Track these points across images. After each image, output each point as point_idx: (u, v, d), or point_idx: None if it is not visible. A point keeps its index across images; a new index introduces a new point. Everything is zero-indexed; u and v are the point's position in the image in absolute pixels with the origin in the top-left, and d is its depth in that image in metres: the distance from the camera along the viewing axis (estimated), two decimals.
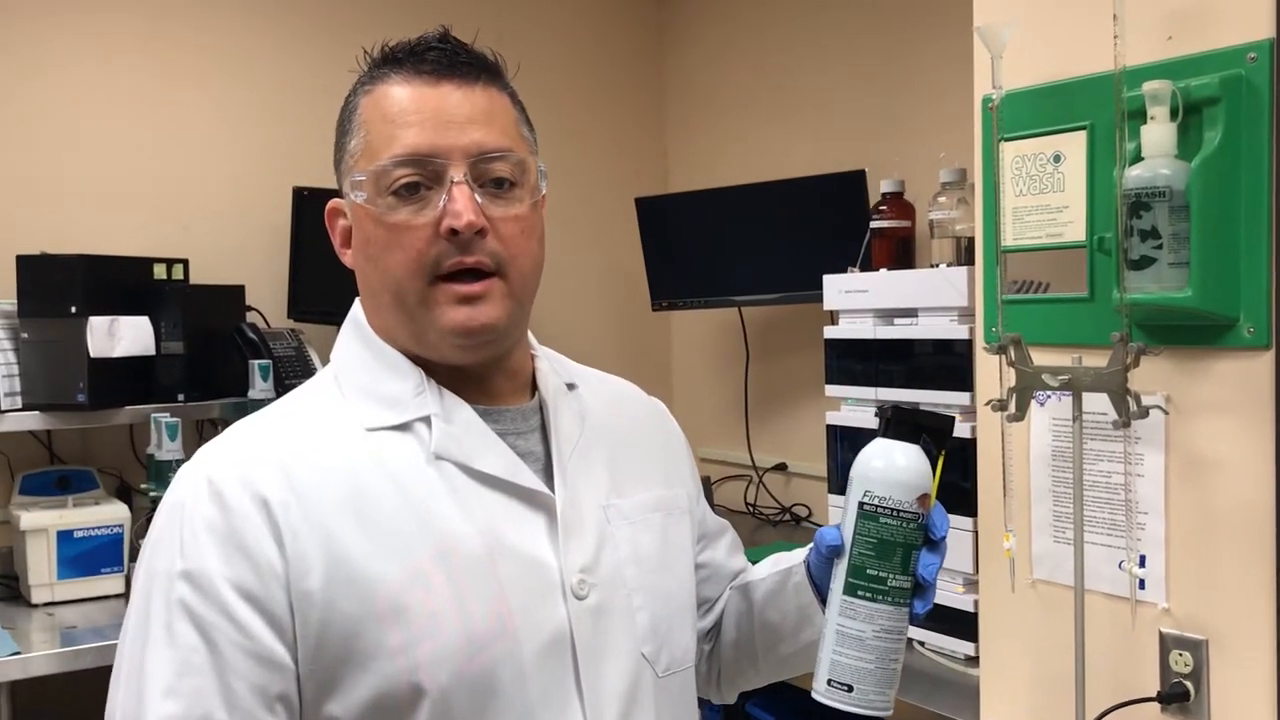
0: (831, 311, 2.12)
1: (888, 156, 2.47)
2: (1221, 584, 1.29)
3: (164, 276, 2.52)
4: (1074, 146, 1.40)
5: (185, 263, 2.57)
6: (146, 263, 2.51)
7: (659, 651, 0.95)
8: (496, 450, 0.91)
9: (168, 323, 2.45)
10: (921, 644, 1.93)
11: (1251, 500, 1.26)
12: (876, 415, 0.99)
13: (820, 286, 2.08)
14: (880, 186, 2.23)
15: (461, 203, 0.87)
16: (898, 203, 2.17)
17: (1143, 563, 1.34)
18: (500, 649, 0.84)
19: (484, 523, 0.88)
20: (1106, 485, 1.40)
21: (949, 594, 1.86)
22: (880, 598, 0.92)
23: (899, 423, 0.95)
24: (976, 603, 1.80)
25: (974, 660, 1.83)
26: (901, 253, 2.15)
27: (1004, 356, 1.37)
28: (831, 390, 2.11)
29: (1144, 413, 1.25)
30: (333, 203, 0.95)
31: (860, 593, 0.92)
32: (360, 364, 0.94)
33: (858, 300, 2.04)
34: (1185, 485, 1.33)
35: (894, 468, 0.93)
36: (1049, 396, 1.47)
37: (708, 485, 2.99)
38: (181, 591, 0.82)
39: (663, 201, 2.92)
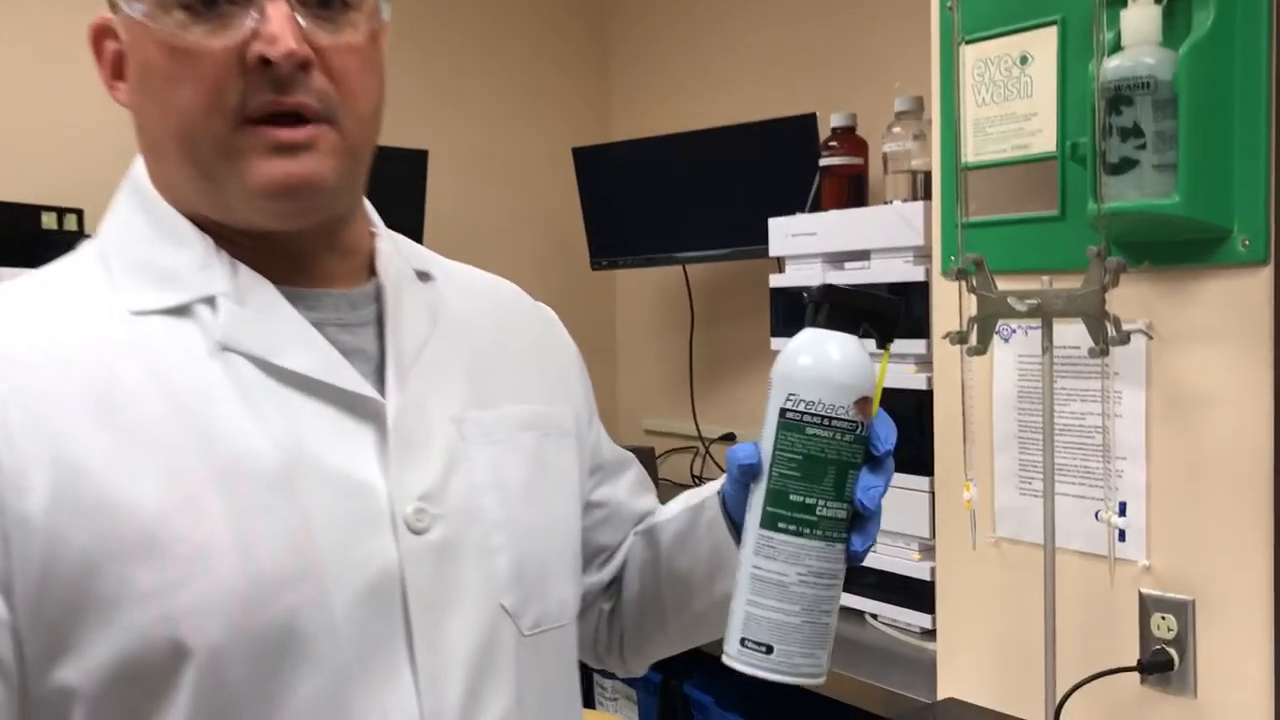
0: (779, 259, 1.96)
1: (841, 94, 2.31)
2: (1210, 537, 1.13)
3: (55, 226, 2.30)
4: (1043, 45, 1.23)
5: (79, 212, 2.35)
6: (35, 211, 2.29)
7: (524, 603, 0.75)
8: (307, 341, 0.71)
9: None
10: (874, 616, 1.77)
11: (1245, 440, 1.10)
12: (804, 298, 0.79)
13: (768, 239, 1.92)
14: (830, 121, 2.06)
15: (278, 23, 0.66)
16: (849, 139, 2.00)
17: (1123, 511, 1.18)
18: (298, 596, 0.65)
19: (284, 434, 0.68)
20: (1079, 429, 1.24)
21: (903, 561, 1.70)
22: (807, 531, 0.72)
23: (832, 307, 0.75)
24: (933, 570, 1.64)
25: (930, 634, 1.66)
26: (854, 193, 1.98)
27: (963, 283, 1.21)
28: (777, 344, 1.94)
29: (1124, 338, 1.09)
30: (99, 19, 0.74)
31: (781, 525, 0.72)
32: (134, 233, 0.73)
33: (806, 244, 1.87)
34: (1169, 425, 1.17)
35: (826, 364, 0.73)
36: (1014, 331, 1.31)
37: (652, 458, 2.82)
38: None
39: (603, 151, 2.74)
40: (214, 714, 0.64)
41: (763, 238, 1.98)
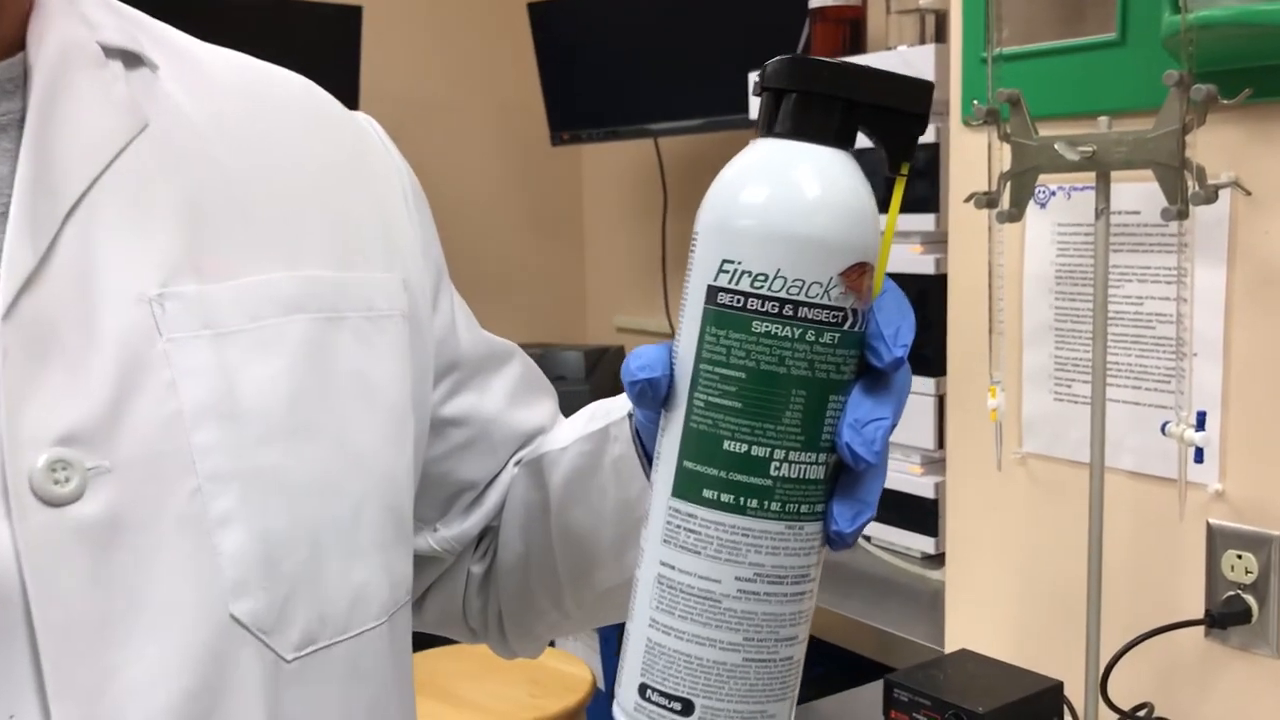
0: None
1: None
2: None
3: None
4: None
5: None
6: None
7: (282, 609, 0.46)
8: None
9: None
10: (867, 539, 1.53)
11: None
12: (760, 83, 0.43)
13: (749, 105, 1.65)
14: None
15: None
16: None
17: (1201, 424, 0.92)
18: None
19: None
20: (1136, 316, 0.97)
21: (902, 476, 1.45)
22: (754, 503, 0.41)
23: (808, 100, 0.41)
24: (938, 487, 1.40)
25: (933, 560, 1.42)
26: (851, 39, 1.70)
27: (994, 130, 0.93)
28: None
29: (1211, 195, 0.82)
30: None
31: (709, 493, 0.42)
32: None
33: None
34: (1256, 313, 0.91)
35: (793, 206, 0.41)
36: (1052, 194, 1.03)
37: (620, 359, 2.56)
38: None
39: (563, 6, 2.43)
40: None
41: (744, 105, 1.70)
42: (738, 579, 0.42)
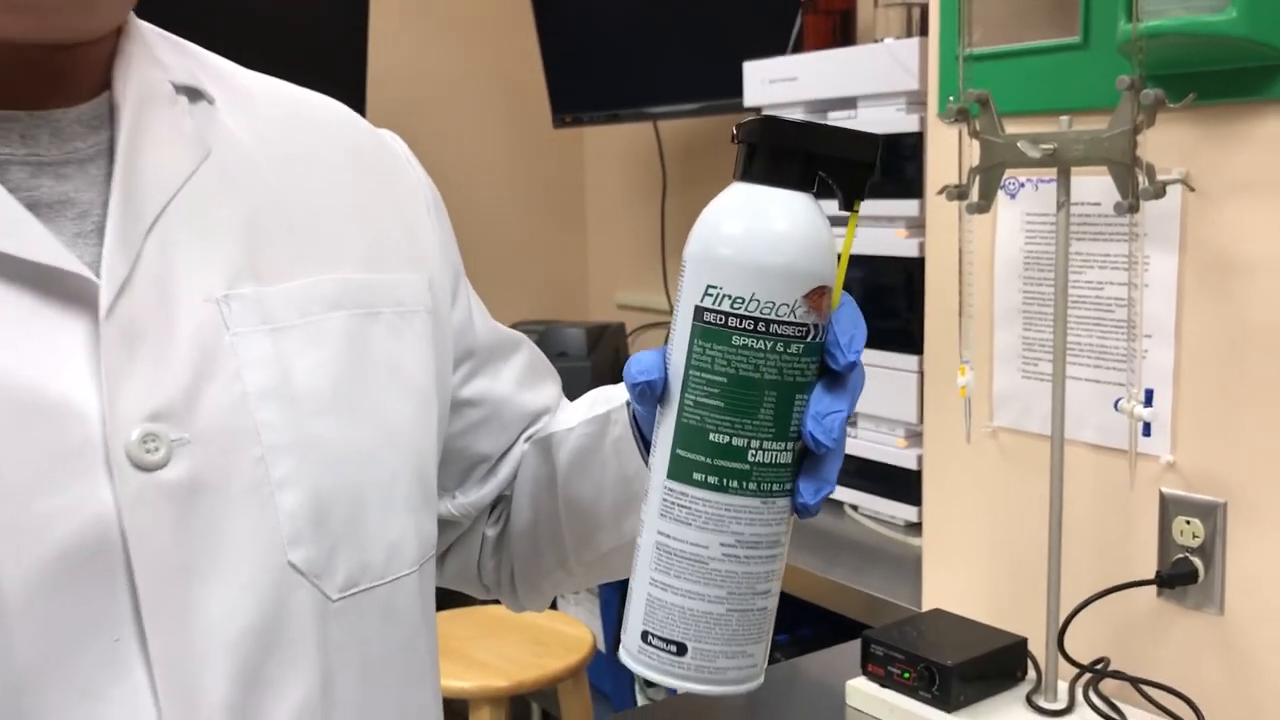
0: (755, 109, 1.74)
1: None
2: (1247, 430, 0.96)
3: None
4: None
5: None
6: None
7: (329, 557, 0.55)
8: None
9: None
10: (854, 508, 1.61)
11: None
12: (736, 137, 0.52)
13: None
14: None
15: None
16: None
17: (1149, 400, 1.00)
18: None
19: None
20: (1097, 300, 1.05)
21: (887, 449, 1.53)
22: (735, 484, 0.51)
23: (775, 152, 0.50)
24: (920, 459, 1.47)
25: (916, 528, 1.50)
26: (841, 31, 1.76)
27: (964, 126, 1.00)
28: None
29: (1159, 190, 0.89)
30: None
31: (698, 476, 0.51)
32: None
33: (785, 91, 1.65)
34: (1204, 297, 0.98)
35: (763, 239, 0.50)
36: (1021, 185, 1.10)
37: (622, 335, 2.63)
38: None
39: None
40: None
41: (739, 89, 1.77)
42: (722, 545, 0.51)
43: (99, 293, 0.50)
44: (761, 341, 0.50)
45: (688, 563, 0.51)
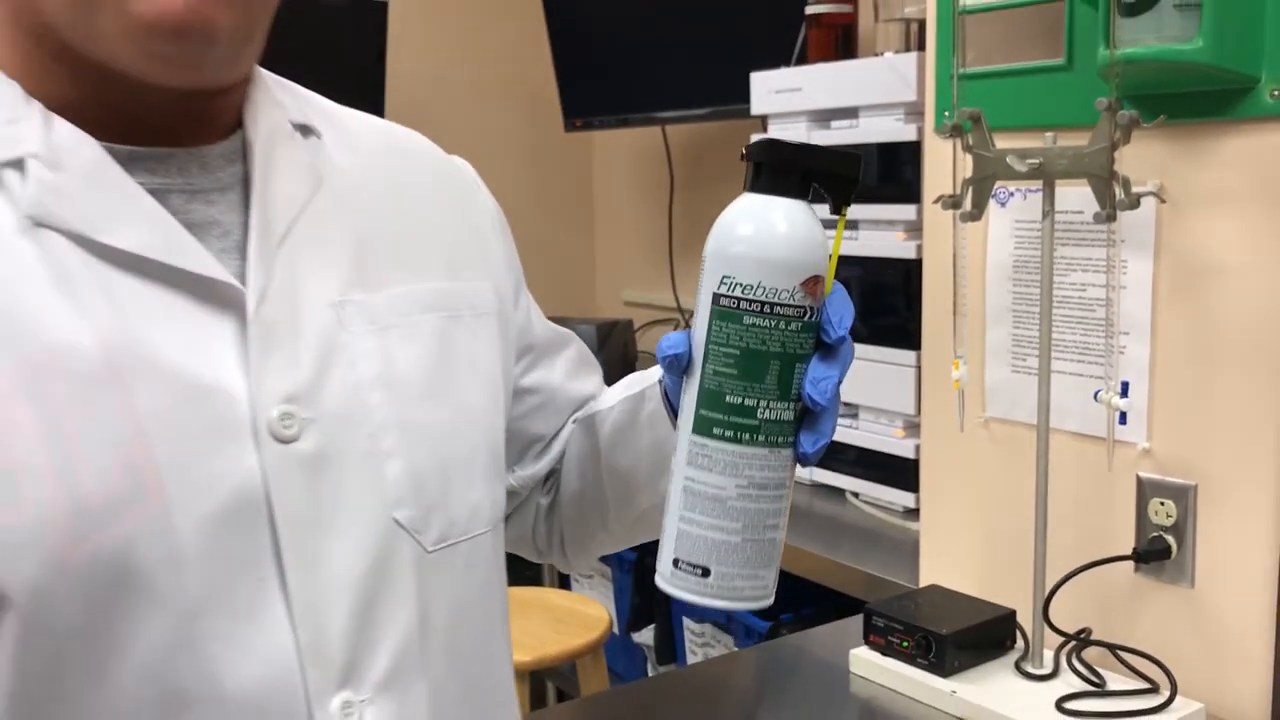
0: (761, 118, 1.83)
1: None
2: (1216, 418, 1.05)
3: None
4: None
5: None
6: None
7: (426, 516, 0.65)
8: (142, 214, 0.58)
9: None
10: (855, 495, 1.70)
11: (1260, 316, 1.01)
12: (745, 157, 0.64)
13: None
14: None
15: None
16: None
17: (1125, 392, 1.09)
18: (135, 523, 0.55)
19: (111, 328, 0.56)
20: (1080, 301, 1.14)
21: (886, 438, 1.62)
22: (747, 437, 0.62)
23: (776, 167, 0.62)
24: (918, 448, 1.57)
25: (914, 514, 1.60)
26: (843, 44, 1.85)
27: (958, 141, 1.09)
28: None
29: (1134, 202, 0.99)
30: None
31: (717, 431, 0.62)
32: None
33: (790, 101, 1.74)
34: (1178, 298, 1.07)
35: (767, 237, 0.61)
36: (1011, 194, 1.20)
37: (630, 331, 2.72)
38: None
39: (576, 1, 2.57)
40: (42, 665, 0.54)
41: (745, 95, 1.86)
42: (738, 487, 0.62)
43: (245, 298, 0.60)
44: (767, 320, 0.61)
45: (710, 501, 0.62)
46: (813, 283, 0.61)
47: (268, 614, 0.58)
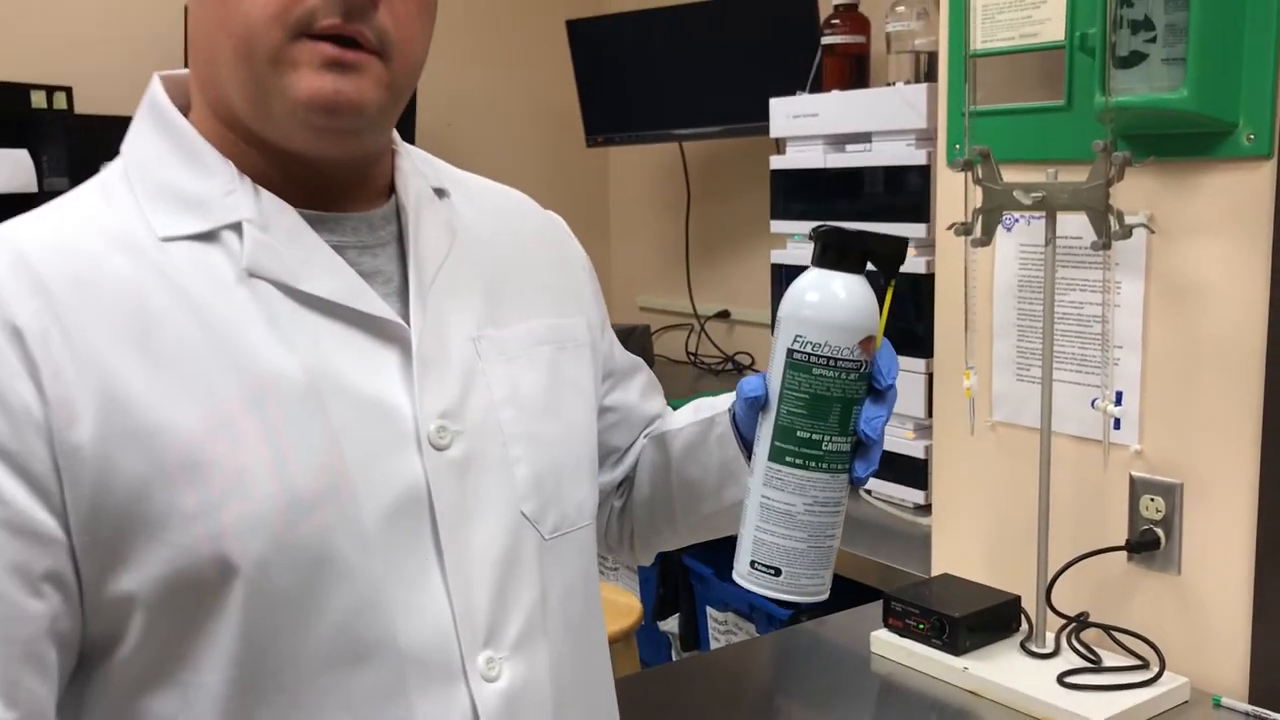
0: (778, 140, 1.95)
1: None
2: (1201, 423, 1.17)
3: (44, 105, 2.27)
4: None
5: (68, 90, 2.32)
6: (24, 90, 2.26)
7: (544, 510, 0.79)
8: (330, 267, 0.72)
9: (50, 157, 2.22)
10: (869, 492, 1.83)
11: (1239, 332, 1.13)
12: (810, 237, 0.79)
13: (767, 117, 1.91)
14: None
15: None
16: (851, 16, 1.98)
17: (1119, 400, 1.22)
18: (333, 512, 0.69)
19: (312, 358, 0.70)
20: (1078, 317, 1.27)
21: (898, 440, 1.75)
22: (813, 464, 0.76)
23: (838, 248, 0.76)
24: (928, 449, 1.69)
25: (924, 509, 1.72)
26: (856, 72, 1.97)
27: (969, 174, 1.22)
28: (777, 226, 1.95)
29: (1127, 233, 1.11)
30: None
31: (789, 459, 0.76)
32: (157, 156, 0.74)
33: (807, 125, 1.87)
34: (1166, 315, 1.20)
35: (831, 305, 0.75)
36: (1017, 220, 1.32)
37: (647, 335, 2.85)
38: None
39: (598, 24, 2.70)
40: (261, 621, 0.68)
41: (761, 115, 1.98)
42: (805, 504, 0.76)
43: (409, 334, 0.74)
44: (831, 372, 0.76)
45: (782, 515, 0.77)
46: (867, 341, 0.76)
47: (430, 586, 0.71)
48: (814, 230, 0.78)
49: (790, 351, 0.76)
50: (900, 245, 0.79)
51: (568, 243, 0.94)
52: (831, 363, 0.75)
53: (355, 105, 0.70)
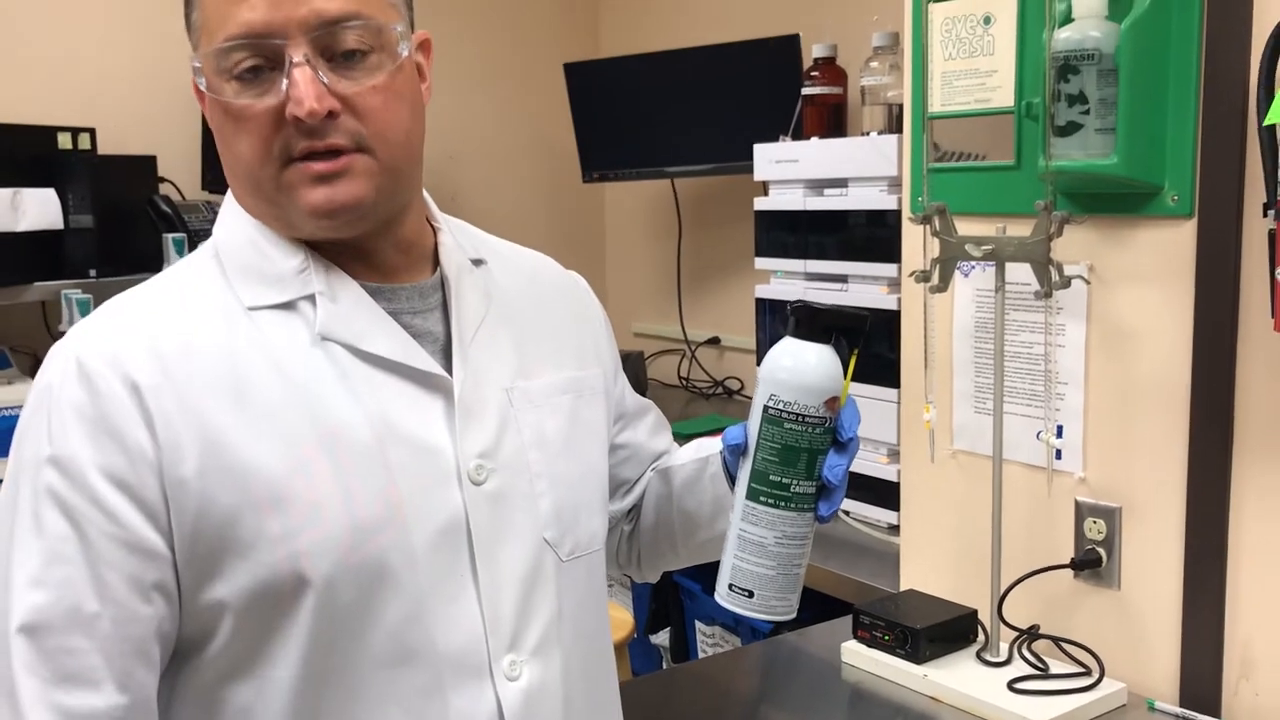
0: (763, 183, 2.08)
1: (822, 20, 2.40)
2: (1136, 453, 1.30)
3: (69, 146, 2.40)
4: (1005, 7, 1.35)
5: (92, 132, 2.45)
6: (50, 132, 2.39)
7: (562, 536, 0.92)
8: (387, 330, 0.86)
9: (75, 195, 2.34)
10: (846, 513, 1.95)
11: (1169, 370, 1.26)
12: (789, 313, 0.92)
13: (752, 158, 2.04)
14: (812, 52, 2.17)
15: (303, 87, 0.79)
16: (830, 69, 2.11)
17: (1060, 433, 1.35)
18: (389, 537, 0.82)
19: (373, 408, 0.84)
20: (1028, 356, 1.39)
21: (872, 464, 1.87)
22: (782, 504, 0.88)
23: (809, 321, 0.89)
24: (899, 472, 1.81)
25: (896, 529, 1.84)
26: (834, 121, 2.10)
27: (928, 226, 1.35)
28: (761, 263, 2.08)
29: (1066, 283, 1.24)
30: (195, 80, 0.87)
31: (762, 499, 0.89)
32: (243, 239, 0.88)
33: (788, 170, 1.99)
34: (1105, 355, 1.32)
35: (802, 370, 0.88)
36: (973, 267, 1.45)
37: (640, 361, 2.97)
38: (49, 478, 0.78)
39: (594, 67, 2.83)
40: (327, 626, 0.81)
41: (746, 155, 2.08)
42: (775, 538, 0.89)
43: (452, 386, 0.87)
44: (800, 426, 0.89)
45: (755, 546, 0.90)
46: (832, 400, 0.89)
47: (465, 599, 0.85)
48: (790, 306, 0.92)
49: (766, 408, 0.89)
50: (862, 320, 0.91)
51: (586, 299, 1.08)
52: (800, 419, 0.88)
53: (350, 204, 0.84)
